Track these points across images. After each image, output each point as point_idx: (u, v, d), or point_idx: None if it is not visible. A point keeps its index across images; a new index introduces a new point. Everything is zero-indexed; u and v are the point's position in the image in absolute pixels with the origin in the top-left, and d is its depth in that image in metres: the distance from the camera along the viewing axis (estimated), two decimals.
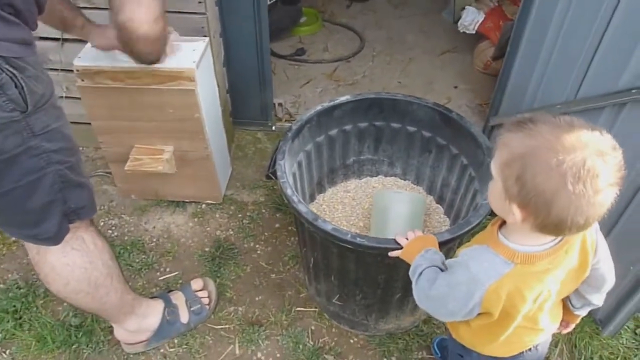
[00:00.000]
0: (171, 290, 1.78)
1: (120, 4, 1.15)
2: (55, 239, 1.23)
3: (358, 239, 1.31)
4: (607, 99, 1.47)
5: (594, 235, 1.04)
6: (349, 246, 1.33)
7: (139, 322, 1.60)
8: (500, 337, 1.09)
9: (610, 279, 1.11)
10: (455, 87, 2.83)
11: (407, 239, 1.27)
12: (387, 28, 3.30)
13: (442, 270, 1.10)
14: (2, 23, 0.94)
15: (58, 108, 1.14)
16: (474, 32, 2.90)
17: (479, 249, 1.02)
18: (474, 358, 1.21)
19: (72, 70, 1.70)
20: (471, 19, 2.88)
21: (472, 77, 2.90)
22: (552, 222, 0.85)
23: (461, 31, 2.96)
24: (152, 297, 1.71)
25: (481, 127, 2.50)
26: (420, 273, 1.11)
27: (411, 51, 3.10)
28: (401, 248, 1.26)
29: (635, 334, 1.79)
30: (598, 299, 1.15)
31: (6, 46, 0.94)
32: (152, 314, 1.64)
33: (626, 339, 1.76)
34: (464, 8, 2.96)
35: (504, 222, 1.01)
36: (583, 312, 1.20)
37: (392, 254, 1.27)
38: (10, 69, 0.95)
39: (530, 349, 1.16)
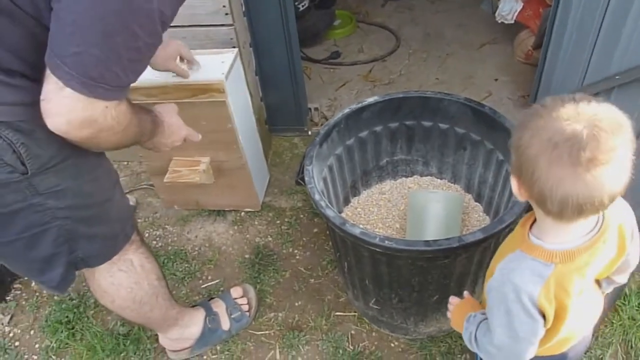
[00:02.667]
0: (212, 298, 1.82)
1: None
2: (58, 288, 1.23)
3: (387, 241, 1.29)
4: (598, 86, 1.42)
5: (630, 226, 0.99)
6: (378, 249, 1.31)
7: (182, 331, 1.65)
8: (554, 339, 1.03)
9: (634, 263, 1.06)
10: (496, 79, 2.74)
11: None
12: (424, 24, 3.25)
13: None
14: (2, 87, 0.91)
15: (82, 165, 1.09)
16: (512, 21, 2.80)
17: (514, 258, 0.96)
18: None
19: None
20: (509, 8, 2.78)
21: (514, 68, 2.80)
22: (537, 193, 0.82)
23: (499, 21, 2.87)
24: (193, 306, 1.76)
25: None
26: (476, 338, 1.07)
27: (449, 46, 3.03)
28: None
29: None
30: (623, 279, 1.10)
31: (6, 110, 0.92)
32: (194, 323, 1.68)
33: None
34: None
35: (533, 222, 0.97)
36: (608, 290, 1.14)
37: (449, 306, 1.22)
38: (10, 134, 0.93)
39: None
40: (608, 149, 0.76)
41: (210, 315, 1.72)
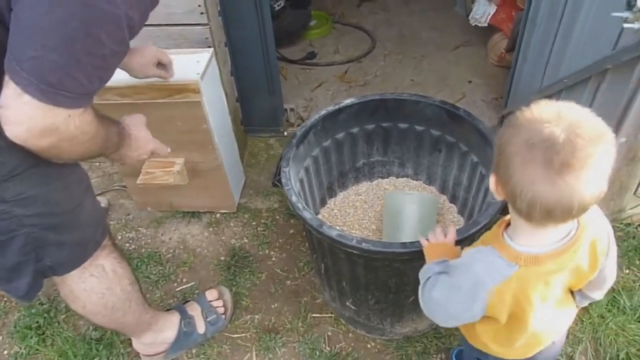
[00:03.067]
0: (187, 301, 1.80)
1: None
2: (26, 297, 1.20)
3: (364, 244, 1.29)
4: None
5: (605, 244, 1.00)
6: (355, 251, 1.31)
7: (155, 336, 1.62)
8: (516, 343, 1.06)
9: (610, 280, 1.08)
10: (470, 82, 2.78)
11: (427, 240, 1.23)
12: (399, 26, 3.27)
13: None
14: None
15: (50, 173, 1.06)
16: (486, 24, 2.84)
17: (483, 250, 0.99)
18: None
19: None
20: (482, 12, 2.82)
21: (487, 71, 2.85)
22: (510, 190, 0.84)
23: (473, 24, 2.91)
24: (168, 310, 1.73)
25: (496, 121, 2.45)
26: (428, 278, 1.10)
27: (423, 48, 3.05)
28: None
29: None
30: (599, 295, 1.12)
31: None
32: (168, 327, 1.66)
33: None
34: (474, 0, 2.90)
35: (509, 224, 0.98)
36: (582, 305, 1.16)
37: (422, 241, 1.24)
38: None
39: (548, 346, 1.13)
40: (583, 156, 0.77)
41: (186, 318, 1.70)
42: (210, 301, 1.77)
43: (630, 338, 1.69)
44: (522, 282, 0.94)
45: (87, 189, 1.21)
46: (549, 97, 1.53)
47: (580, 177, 0.78)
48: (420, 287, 1.11)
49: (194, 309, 1.74)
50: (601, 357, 1.66)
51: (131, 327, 1.52)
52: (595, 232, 0.96)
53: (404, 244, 1.30)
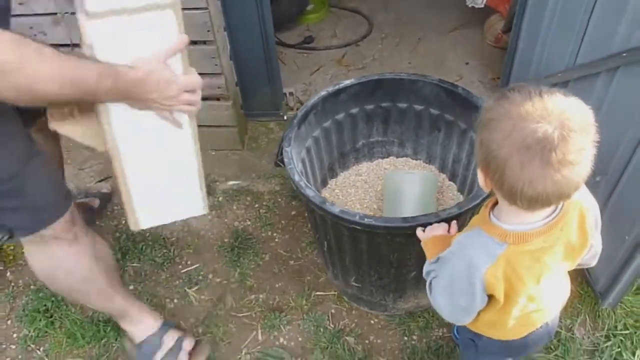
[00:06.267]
0: (180, 328, 1.70)
1: None
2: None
3: (366, 219, 1.32)
4: (600, 64, 1.43)
5: (593, 215, 1.03)
6: (358, 227, 1.34)
7: (130, 328, 1.62)
8: (508, 323, 1.08)
9: (599, 248, 1.10)
10: (467, 63, 2.80)
11: (424, 231, 1.25)
12: (396, 9, 3.27)
13: None
14: None
15: None
16: (482, 6, 2.85)
17: (471, 233, 1.02)
18: (484, 341, 1.20)
19: None
20: None
21: (484, 52, 2.86)
22: (507, 190, 0.86)
23: (470, 6, 2.91)
24: (164, 321, 1.66)
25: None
26: (430, 281, 1.12)
27: (421, 31, 3.06)
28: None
29: None
30: (591, 261, 1.14)
31: None
32: (143, 323, 1.61)
33: None
34: None
35: (495, 204, 1.00)
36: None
37: (418, 233, 1.26)
38: None
39: (541, 327, 1.15)
40: (577, 149, 0.81)
41: (157, 336, 1.62)
42: (187, 350, 1.65)
43: (628, 310, 1.72)
44: (513, 260, 0.96)
45: (29, 159, 1.18)
46: (555, 85, 1.53)
47: (576, 169, 0.82)
48: (427, 287, 1.13)
49: (170, 341, 1.63)
50: (599, 329, 1.70)
51: (102, 309, 1.61)
52: (583, 205, 0.99)
53: (405, 219, 1.33)
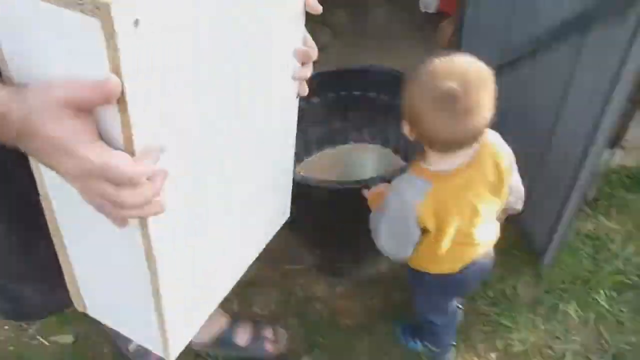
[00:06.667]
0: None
1: None
2: None
3: (321, 184, 1.50)
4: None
5: (508, 162, 1.23)
6: (315, 192, 1.52)
7: None
8: (439, 251, 1.25)
9: (521, 191, 1.33)
10: None
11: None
12: (351, 14, 3.46)
13: None
14: None
15: None
16: (435, 11, 3.09)
17: (404, 177, 1.23)
18: (426, 280, 1.38)
19: None
20: None
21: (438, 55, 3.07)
22: (425, 136, 1.09)
23: (423, 11, 3.14)
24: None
25: None
26: (375, 227, 1.30)
27: (376, 36, 3.26)
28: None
29: (594, 258, 1.96)
30: (516, 205, 1.36)
31: None
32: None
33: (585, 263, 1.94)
34: None
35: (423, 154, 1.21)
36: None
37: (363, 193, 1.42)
38: None
39: (473, 263, 1.33)
40: (476, 100, 1.02)
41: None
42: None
43: (564, 269, 1.93)
44: (439, 195, 1.16)
45: None
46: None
47: (478, 115, 1.04)
48: (373, 235, 1.31)
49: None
50: (540, 285, 1.90)
51: None
52: (495, 149, 1.20)
53: (357, 181, 1.51)
